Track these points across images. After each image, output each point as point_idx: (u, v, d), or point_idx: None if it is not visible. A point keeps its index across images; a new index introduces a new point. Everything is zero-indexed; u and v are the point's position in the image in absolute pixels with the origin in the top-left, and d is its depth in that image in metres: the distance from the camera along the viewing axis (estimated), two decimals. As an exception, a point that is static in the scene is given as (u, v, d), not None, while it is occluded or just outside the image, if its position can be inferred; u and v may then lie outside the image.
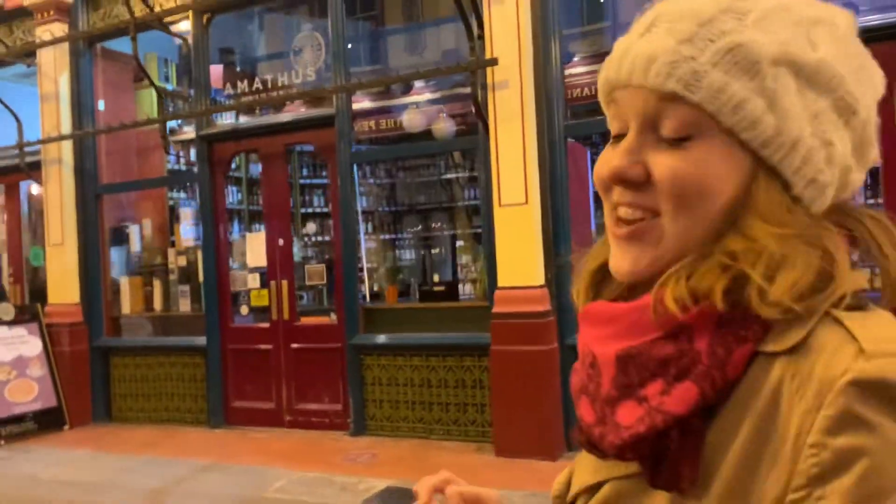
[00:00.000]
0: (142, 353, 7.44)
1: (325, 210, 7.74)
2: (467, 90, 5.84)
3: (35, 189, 8.35)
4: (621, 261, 0.67)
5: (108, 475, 5.73)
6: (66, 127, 7.65)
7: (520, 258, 5.44)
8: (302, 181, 8.39)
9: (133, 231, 7.76)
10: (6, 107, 7.64)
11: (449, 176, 7.98)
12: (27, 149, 7.71)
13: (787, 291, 0.57)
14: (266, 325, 6.85)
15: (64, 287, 7.66)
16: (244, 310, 6.99)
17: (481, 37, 5.51)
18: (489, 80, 5.48)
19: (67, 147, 7.68)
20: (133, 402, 7.51)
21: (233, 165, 7.82)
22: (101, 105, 7.85)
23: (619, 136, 0.67)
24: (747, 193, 0.62)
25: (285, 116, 6.81)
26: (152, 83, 7.07)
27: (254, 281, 6.92)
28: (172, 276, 7.47)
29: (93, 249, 7.73)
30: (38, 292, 8.20)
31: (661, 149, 0.64)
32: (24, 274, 8.42)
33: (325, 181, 7.77)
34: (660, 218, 0.64)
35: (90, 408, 7.62)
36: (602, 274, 0.73)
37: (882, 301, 0.61)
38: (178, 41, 7.41)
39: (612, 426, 0.63)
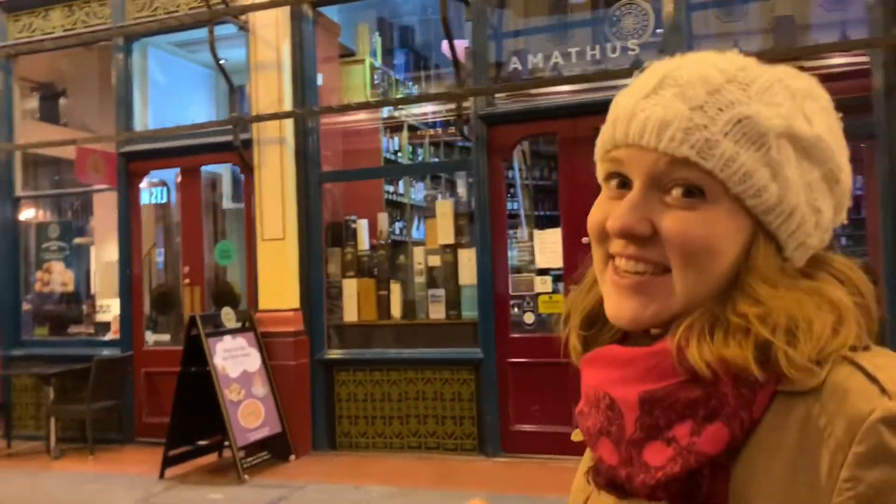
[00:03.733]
0: (378, 368, 6.35)
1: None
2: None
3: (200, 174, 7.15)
4: (622, 310, 0.70)
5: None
6: (288, 102, 6.53)
7: None
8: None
9: (361, 226, 6.67)
10: (224, 74, 6.46)
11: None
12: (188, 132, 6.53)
13: (812, 354, 0.62)
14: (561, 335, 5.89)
15: (281, 290, 6.51)
16: (529, 317, 6.02)
17: None
18: None
19: (289, 126, 6.55)
20: (365, 425, 6.39)
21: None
22: (318, 79, 6.76)
23: (616, 182, 0.71)
24: (747, 255, 0.68)
25: (588, 96, 5.90)
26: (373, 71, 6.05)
27: (543, 285, 5.97)
28: (420, 279, 6.43)
29: (315, 247, 6.61)
30: (223, 297, 6.99)
31: (669, 207, 0.68)
32: (205, 274, 7.15)
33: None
34: (668, 273, 0.68)
35: (310, 433, 6.47)
36: (590, 321, 0.78)
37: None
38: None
39: (641, 466, 0.66)
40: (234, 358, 6.01)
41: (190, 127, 6.84)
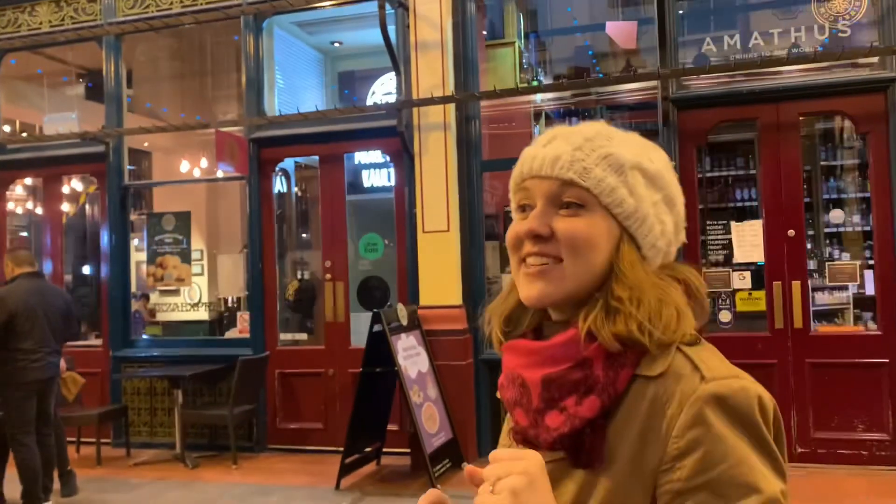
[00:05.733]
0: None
1: (854, 196, 6.18)
2: None
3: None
4: (530, 291, 0.95)
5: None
6: (450, 85, 6.11)
7: None
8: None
9: (524, 218, 6.25)
10: (392, 55, 6.01)
11: None
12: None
13: (667, 333, 0.88)
14: (763, 334, 5.55)
15: (445, 285, 6.08)
16: (725, 315, 5.67)
17: None
18: None
19: (451, 111, 6.13)
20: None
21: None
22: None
23: (523, 210, 0.98)
24: (617, 251, 0.93)
25: (791, 80, 5.56)
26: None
27: (742, 281, 5.62)
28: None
29: (477, 239, 6.20)
30: (372, 293, 6.54)
31: (561, 216, 0.94)
32: (349, 269, 6.67)
33: (853, 161, 6.29)
34: (562, 263, 0.93)
35: (475, 439, 6.05)
36: (510, 318, 1.03)
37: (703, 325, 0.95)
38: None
39: (544, 428, 0.91)
40: (409, 357, 5.57)
41: (345, 110, 6.37)
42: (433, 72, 6.12)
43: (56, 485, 5.25)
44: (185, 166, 8.71)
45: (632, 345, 0.88)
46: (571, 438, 0.89)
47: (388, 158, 7.20)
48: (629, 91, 6.58)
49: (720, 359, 0.90)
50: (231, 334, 7.25)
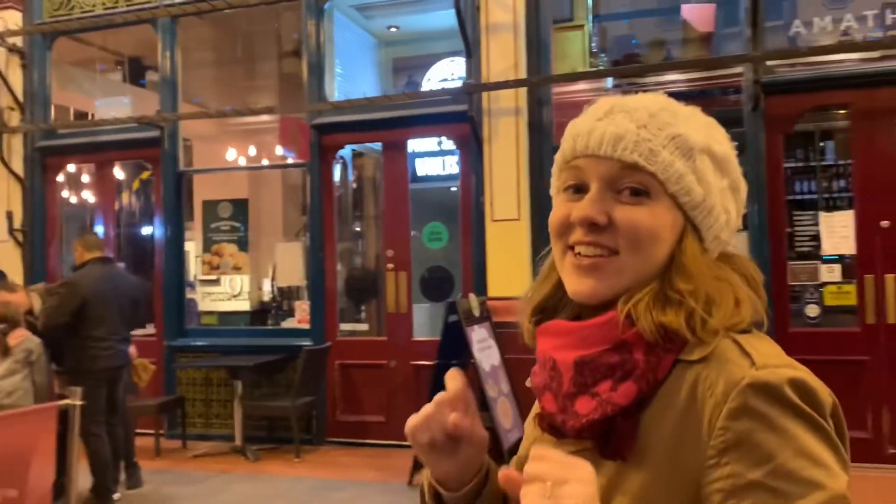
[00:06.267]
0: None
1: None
2: None
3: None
4: (580, 286, 0.86)
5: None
6: (523, 68, 5.90)
7: None
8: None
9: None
10: (465, 37, 5.81)
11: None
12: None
13: (718, 325, 0.80)
14: (854, 329, 5.32)
15: (514, 276, 5.87)
16: (812, 310, 5.43)
17: None
18: None
19: (523, 96, 5.92)
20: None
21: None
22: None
23: (574, 191, 0.88)
24: (679, 243, 0.85)
25: (884, 64, 5.30)
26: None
27: (830, 273, 5.39)
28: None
29: (542, 229, 5.97)
30: (436, 284, 6.35)
31: (622, 203, 0.84)
32: (412, 259, 6.49)
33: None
34: (618, 255, 0.84)
35: (545, 434, 5.85)
36: (545, 307, 0.94)
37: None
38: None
39: (572, 414, 0.84)
40: (483, 350, 5.39)
41: (412, 95, 6.22)
42: (505, 55, 5.91)
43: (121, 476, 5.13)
44: (230, 154, 8.57)
45: (674, 337, 0.81)
46: (601, 426, 0.81)
47: (443, 146, 7.01)
48: (706, 78, 6.34)
49: (774, 347, 0.82)
50: (288, 324, 7.10)
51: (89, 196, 8.35)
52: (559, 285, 0.91)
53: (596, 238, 0.84)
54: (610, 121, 0.85)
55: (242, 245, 6.96)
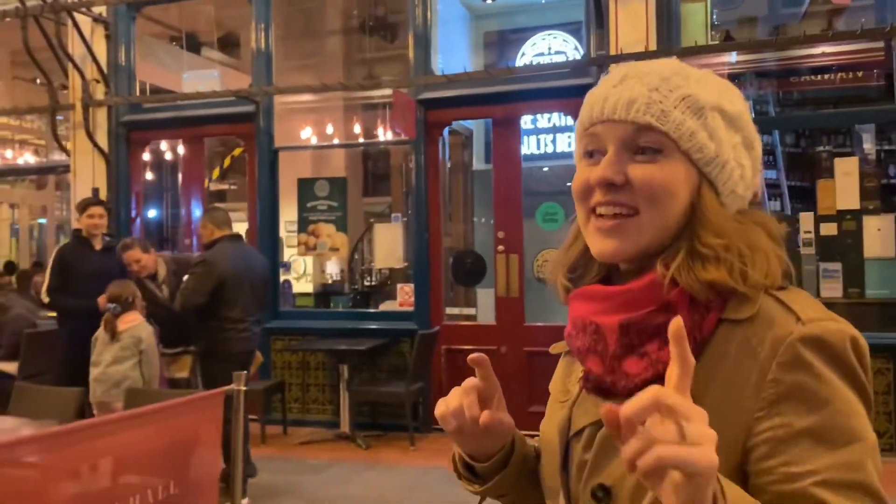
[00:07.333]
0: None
1: None
2: None
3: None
4: (604, 246, 0.90)
5: None
6: (653, 40, 5.59)
7: None
8: None
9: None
10: (597, 3, 5.50)
11: None
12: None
13: (761, 276, 0.84)
14: None
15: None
16: None
17: None
18: None
19: (653, 69, 5.61)
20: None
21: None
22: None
23: (590, 156, 0.92)
24: (697, 198, 0.88)
25: None
26: None
27: None
28: (808, 250, 5.54)
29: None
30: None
31: (637, 162, 0.88)
32: (524, 241, 6.21)
33: None
34: (638, 215, 0.87)
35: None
36: (574, 268, 0.98)
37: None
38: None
39: (622, 374, 0.87)
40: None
41: (531, 68, 5.93)
42: (636, 25, 5.60)
43: (243, 464, 4.93)
44: (306, 132, 8.30)
45: (722, 290, 0.84)
46: (655, 384, 0.80)
47: (554, 123, 6.70)
48: (835, 53, 6.00)
49: (814, 301, 0.86)
50: (386, 307, 6.86)
51: (176, 173, 8.12)
52: (586, 249, 0.94)
53: (614, 197, 0.88)
54: (624, 86, 0.89)
55: (341, 225, 6.70)
